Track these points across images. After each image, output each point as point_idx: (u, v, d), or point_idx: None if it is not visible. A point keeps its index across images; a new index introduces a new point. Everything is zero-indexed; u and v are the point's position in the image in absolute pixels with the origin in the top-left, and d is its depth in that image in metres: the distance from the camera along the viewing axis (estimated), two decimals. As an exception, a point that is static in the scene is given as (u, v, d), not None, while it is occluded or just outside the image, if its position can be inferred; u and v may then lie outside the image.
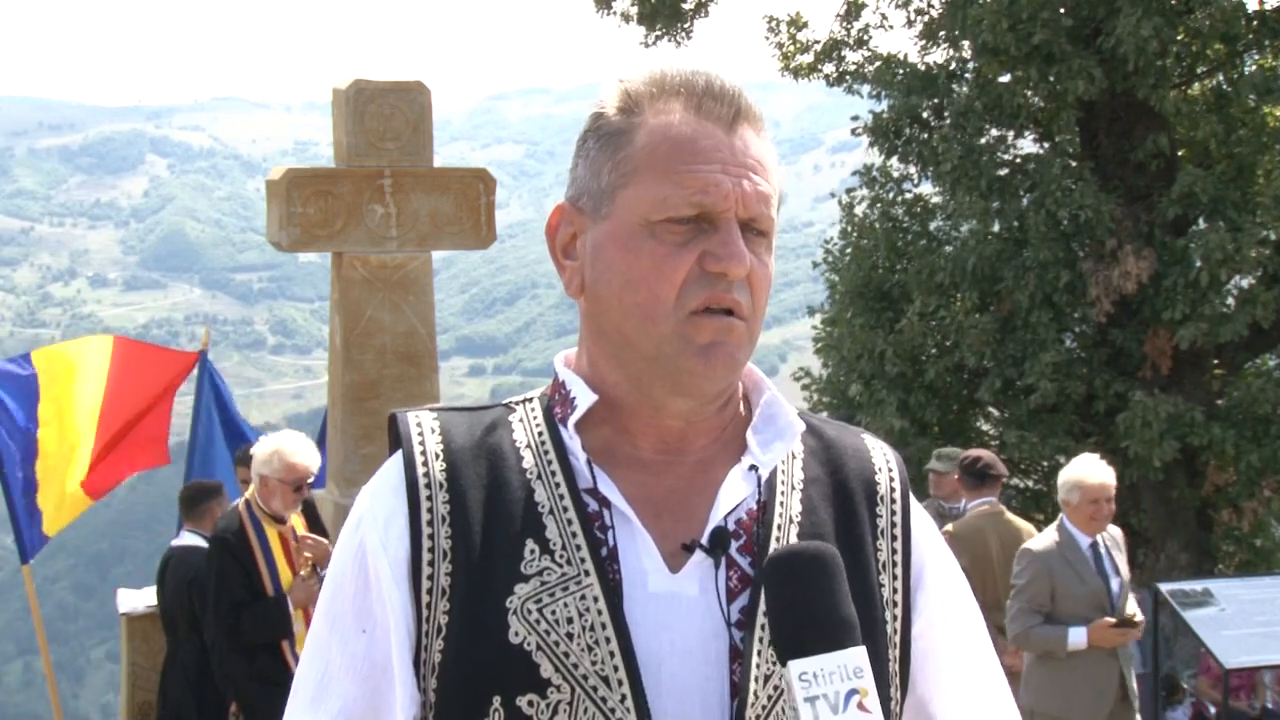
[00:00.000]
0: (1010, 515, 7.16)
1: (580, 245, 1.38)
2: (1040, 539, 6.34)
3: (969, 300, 12.87)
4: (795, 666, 1.20)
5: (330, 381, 7.57)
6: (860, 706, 1.20)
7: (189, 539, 6.74)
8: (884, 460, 1.48)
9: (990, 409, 14.18)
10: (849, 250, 14.50)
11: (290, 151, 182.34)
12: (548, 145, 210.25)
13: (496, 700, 1.27)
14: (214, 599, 5.62)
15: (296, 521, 5.86)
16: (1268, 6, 12.95)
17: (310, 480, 5.83)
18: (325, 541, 5.85)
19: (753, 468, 1.38)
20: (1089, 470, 6.17)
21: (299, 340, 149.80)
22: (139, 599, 7.81)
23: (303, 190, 7.10)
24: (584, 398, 1.37)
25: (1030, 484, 14.08)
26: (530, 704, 1.27)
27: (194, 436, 8.39)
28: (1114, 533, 6.39)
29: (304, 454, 5.74)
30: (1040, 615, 6.02)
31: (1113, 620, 5.95)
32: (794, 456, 1.43)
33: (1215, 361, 13.01)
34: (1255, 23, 12.77)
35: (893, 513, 1.44)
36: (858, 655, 1.22)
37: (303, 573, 5.73)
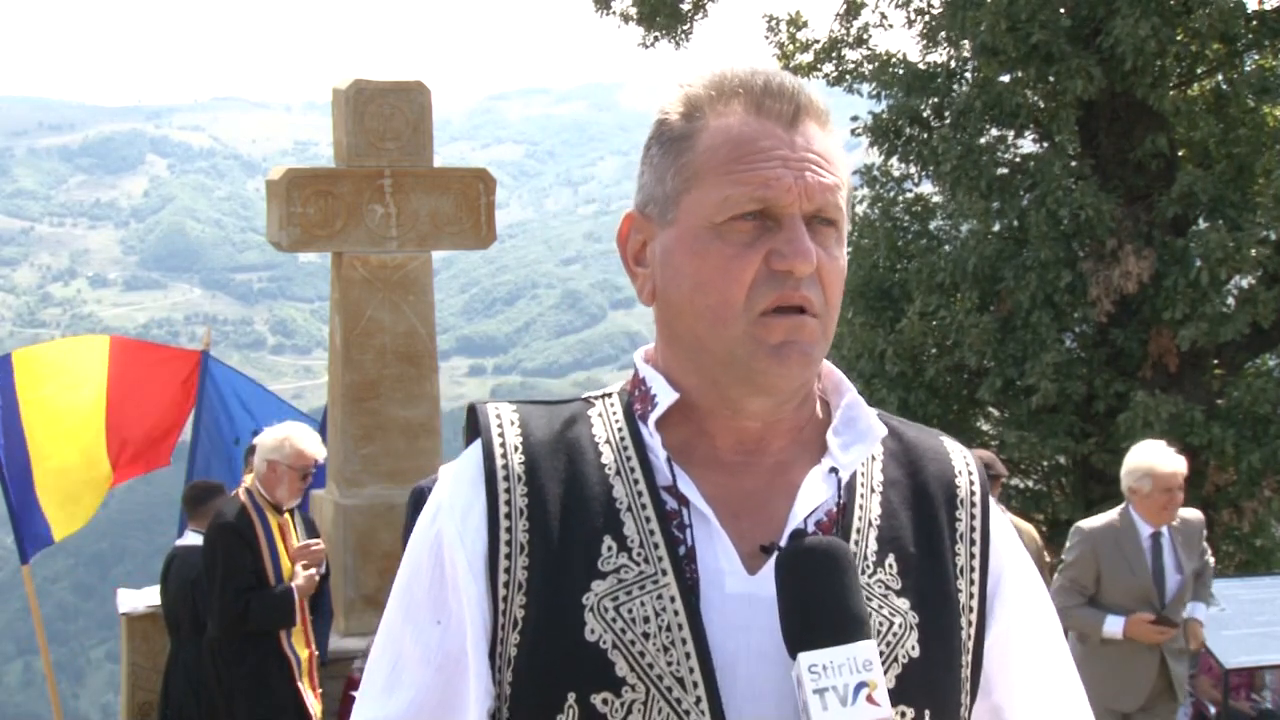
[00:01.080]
0: (1009, 515, 7.17)
1: (650, 252, 1.39)
2: (1098, 519, 6.05)
3: (969, 300, 12.87)
4: (805, 659, 1.21)
5: (330, 381, 7.57)
6: (869, 699, 1.21)
7: (192, 539, 6.74)
8: (964, 463, 1.47)
9: (990, 409, 14.19)
10: (849, 250, 14.48)
11: (290, 151, 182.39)
12: (548, 145, 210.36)
13: (571, 697, 1.27)
14: (220, 585, 5.60)
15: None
16: (1267, 6, 12.96)
17: (314, 470, 5.91)
18: (323, 547, 5.91)
19: (833, 470, 1.37)
20: (1161, 458, 5.84)
21: (299, 340, 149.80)
22: (139, 599, 7.80)
23: (303, 190, 7.10)
24: (665, 395, 1.37)
25: (1030, 484, 14.08)
26: (605, 702, 1.26)
27: (195, 436, 8.37)
28: (1191, 522, 6.12)
29: (312, 443, 5.85)
30: (1083, 596, 5.85)
31: (1151, 617, 5.79)
32: (874, 459, 1.42)
33: (1215, 361, 13.01)
34: (1254, 22, 12.78)
35: (972, 517, 1.43)
36: (867, 649, 1.22)
37: (301, 565, 5.80)
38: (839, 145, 1.37)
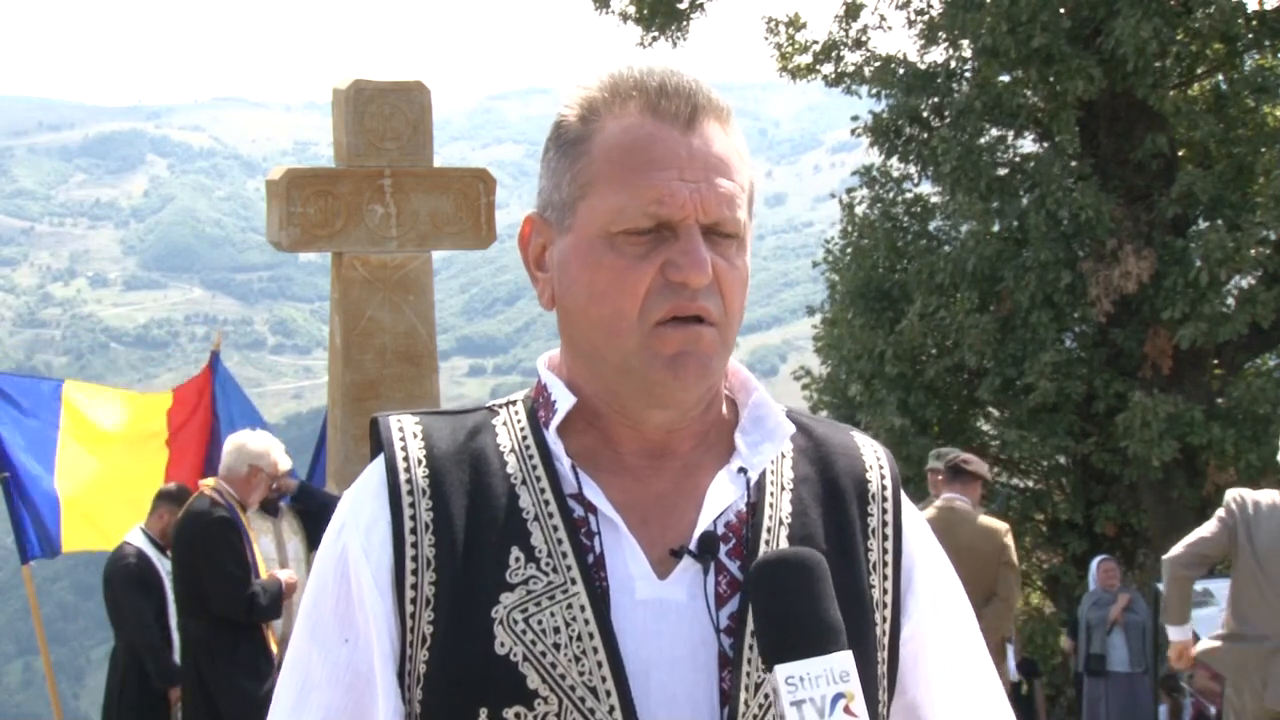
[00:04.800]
0: (967, 513, 6.97)
1: (549, 257, 1.36)
2: None
3: (969, 300, 12.88)
4: (782, 671, 1.19)
5: (330, 381, 7.57)
6: (847, 710, 1.19)
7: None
8: (874, 458, 1.44)
9: (990, 409, 14.20)
10: (849, 250, 14.51)
11: (290, 151, 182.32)
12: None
13: (483, 712, 1.25)
14: (229, 571, 5.78)
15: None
16: (1267, 6, 12.97)
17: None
18: (294, 580, 6.22)
19: (741, 470, 1.35)
20: None
21: (299, 340, 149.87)
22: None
23: (303, 190, 7.09)
24: (564, 400, 1.34)
25: (1030, 484, 14.08)
26: (517, 715, 1.25)
27: (210, 438, 8.38)
28: None
29: (285, 457, 6.30)
30: None
31: None
32: (783, 456, 1.40)
33: (1215, 361, 13.02)
34: (1254, 23, 12.79)
35: (884, 511, 1.41)
36: (844, 659, 1.21)
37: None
38: (741, 145, 1.34)
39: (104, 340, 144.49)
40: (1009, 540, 6.88)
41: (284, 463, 6.23)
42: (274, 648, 6.03)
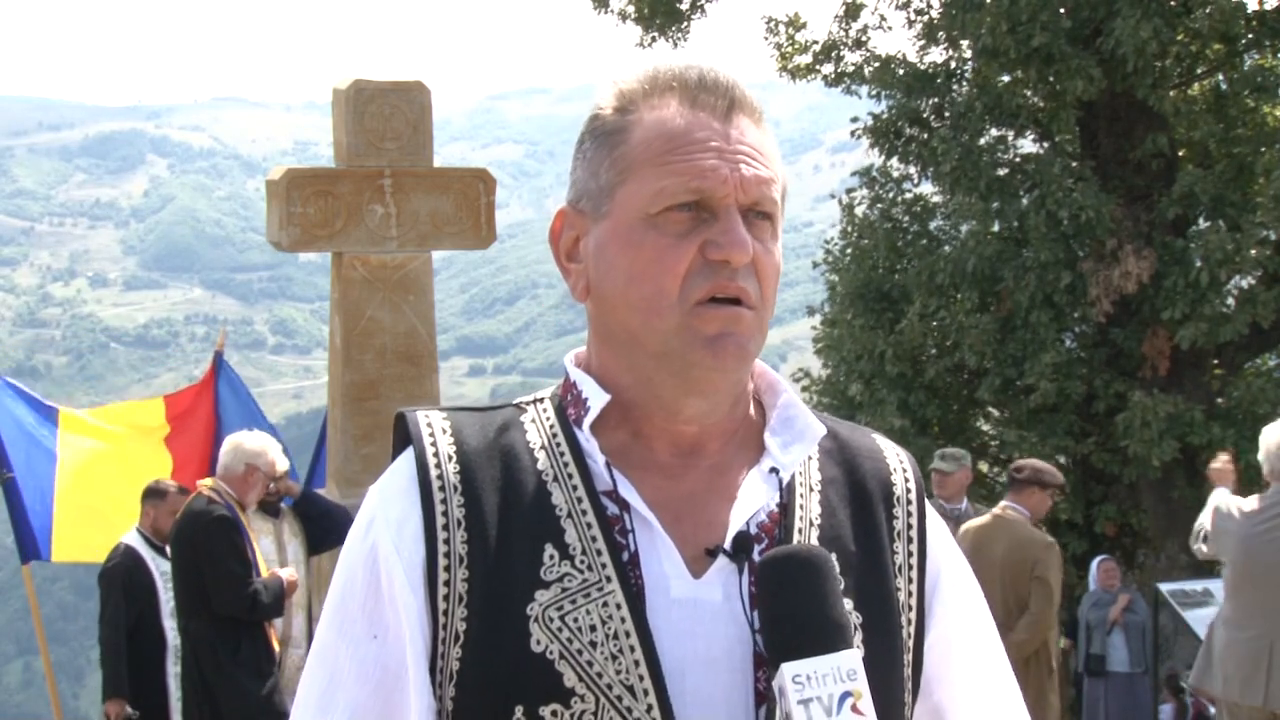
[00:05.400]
0: (1014, 523, 6.87)
1: (583, 247, 1.37)
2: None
3: (969, 300, 12.88)
4: (788, 669, 1.19)
5: (330, 381, 7.57)
6: (854, 709, 1.19)
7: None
8: (898, 461, 1.46)
9: (990, 409, 14.20)
10: (849, 250, 14.51)
11: (290, 151, 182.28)
12: (548, 145, 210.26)
13: (519, 710, 1.25)
14: (230, 570, 5.80)
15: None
16: (1267, 6, 12.97)
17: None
18: (295, 579, 6.26)
19: (772, 470, 1.36)
20: None
21: (299, 340, 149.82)
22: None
23: (303, 190, 7.09)
24: (597, 398, 1.35)
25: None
26: (554, 714, 1.24)
27: (215, 438, 8.39)
28: None
29: (282, 455, 6.32)
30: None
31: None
32: (810, 458, 1.41)
33: (1215, 361, 13.03)
34: (1254, 23, 12.80)
35: (909, 514, 1.42)
36: (851, 657, 1.21)
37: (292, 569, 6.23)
38: (773, 141, 1.36)
39: (104, 340, 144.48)
40: (1045, 555, 6.67)
41: (281, 463, 6.22)
42: (276, 647, 6.03)
